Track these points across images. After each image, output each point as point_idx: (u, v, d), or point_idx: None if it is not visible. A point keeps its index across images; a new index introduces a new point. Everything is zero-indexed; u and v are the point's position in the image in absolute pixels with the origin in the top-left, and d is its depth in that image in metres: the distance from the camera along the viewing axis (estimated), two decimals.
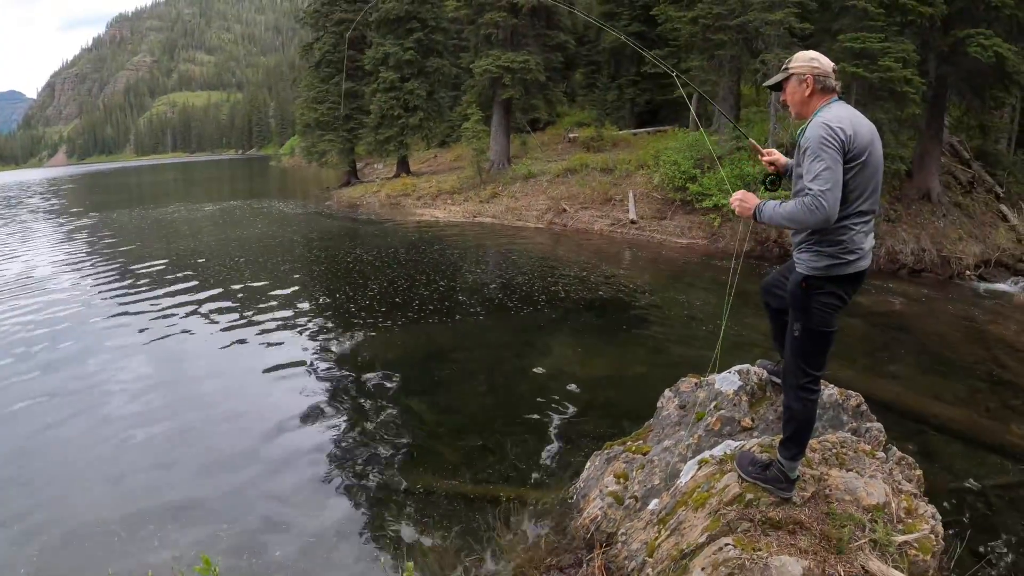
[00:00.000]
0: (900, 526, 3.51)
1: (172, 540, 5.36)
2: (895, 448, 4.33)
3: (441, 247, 18.69)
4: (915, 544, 3.38)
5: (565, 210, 21.34)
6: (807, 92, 3.41)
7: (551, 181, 23.83)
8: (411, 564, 4.27)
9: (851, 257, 3.36)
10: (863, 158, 3.23)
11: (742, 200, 3.55)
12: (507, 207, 23.51)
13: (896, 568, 3.25)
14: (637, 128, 30.01)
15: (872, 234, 3.47)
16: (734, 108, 20.59)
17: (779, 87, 3.59)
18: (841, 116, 3.25)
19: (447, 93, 34.38)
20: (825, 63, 3.41)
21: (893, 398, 7.53)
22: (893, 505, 3.61)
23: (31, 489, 6.33)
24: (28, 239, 23.83)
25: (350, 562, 5.13)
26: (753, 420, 4.50)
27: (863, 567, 3.20)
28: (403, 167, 34.97)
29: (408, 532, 5.43)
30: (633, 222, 19.04)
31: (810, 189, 3.13)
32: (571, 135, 31.04)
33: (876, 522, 3.46)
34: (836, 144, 3.14)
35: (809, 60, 3.42)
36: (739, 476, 3.80)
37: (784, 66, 3.52)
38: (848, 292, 3.49)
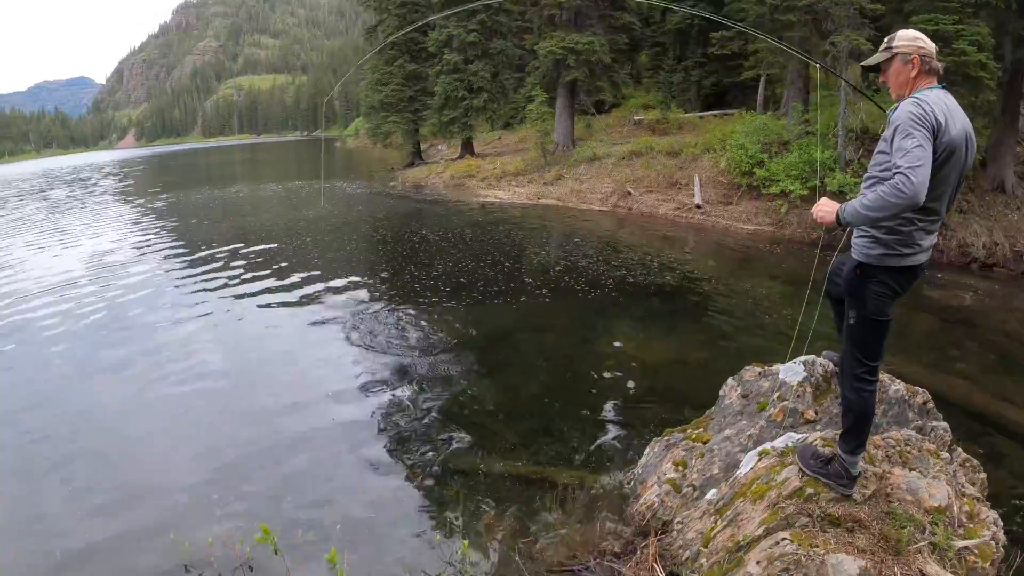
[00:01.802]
0: (961, 530, 3.44)
1: (234, 510, 5.58)
2: (960, 449, 4.23)
3: (506, 228, 18.76)
4: (975, 550, 3.32)
5: (630, 193, 21.15)
6: (913, 73, 3.28)
7: (616, 164, 23.57)
8: (466, 543, 4.38)
9: (907, 251, 3.29)
10: (945, 152, 3.12)
11: (822, 207, 3.42)
12: (571, 189, 23.39)
13: (954, 574, 3.20)
14: (703, 111, 29.50)
15: (935, 234, 3.37)
16: (803, 91, 20.05)
17: (877, 68, 3.46)
18: (938, 101, 3.14)
19: (511, 75, 34.29)
20: (929, 44, 3.29)
21: (960, 397, 7.24)
22: (955, 508, 3.54)
23: (99, 456, 6.68)
24: (103, 219, 24.74)
25: (406, 538, 5.23)
26: (816, 413, 4.43)
27: (920, 571, 3.15)
28: (467, 148, 35.10)
29: (464, 511, 5.50)
30: (698, 207, 18.76)
31: (897, 166, 2.98)
32: (636, 118, 30.66)
33: (937, 525, 3.40)
34: (928, 125, 3.02)
35: (914, 39, 3.29)
36: (800, 469, 3.77)
37: (887, 45, 3.37)
38: (902, 284, 3.40)
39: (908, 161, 2.95)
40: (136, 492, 5.97)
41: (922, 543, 3.29)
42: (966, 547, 3.31)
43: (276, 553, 3.99)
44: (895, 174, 2.98)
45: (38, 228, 22.83)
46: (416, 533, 5.27)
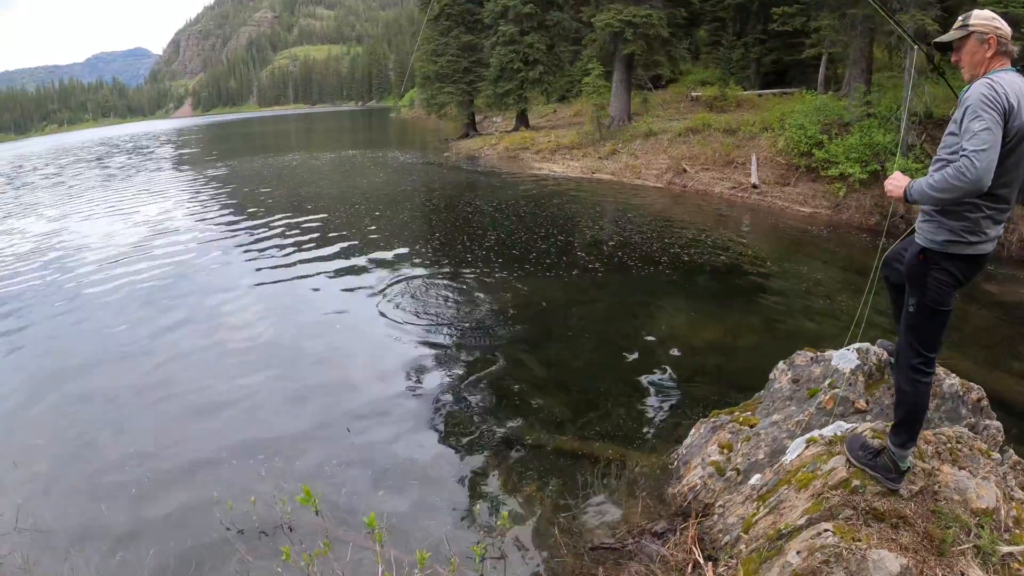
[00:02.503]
0: (1007, 535, 3.36)
1: (278, 472, 5.74)
2: (1012, 451, 4.12)
3: (560, 202, 18.75)
4: (1020, 557, 3.23)
5: (685, 170, 20.83)
6: (988, 53, 3.17)
7: (672, 140, 23.20)
8: (506, 513, 4.41)
9: (973, 239, 3.19)
10: (1016, 137, 3.02)
11: (894, 180, 3.38)
12: (626, 165, 23.15)
13: None
14: (762, 89, 28.81)
15: (1003, 224, 3.26)
16: (865, 72, 19.31)
17: (949, 46, 3.36)
18: (1012, 84, 3.04)
19: (567, 47, 33.97)
20: (1005, 26, 3.19)
21: (1014, 397, 6.86)
22: (1003, 512, 3.45)
23: (148, 417, 6.94)
24: (161, 187, 25.44)
25: (447, 506, 5.31)
26: (868, 403, 4.35)
27: (962, 574, 3.08)
28: (522, 121, 35.00)
29: (506, 482, 5.57)
30: (755, 187, 18.39)
31: (963, 149, 2.92)
32: (694, 94, 30.09)
33: (983, 528, 3.32)
34: (999, 107, 2.93)
35: (991, 19, 3.20)
36: (847, 460, 3.71)
37: (962, 23, 3.27)
38: (966, 273, 3.31)
39: (974, 144, 2.90)
40: (181, 452, 6.19)
41: (966, 545, 3.22)
42: (1011, 553, 3.22)
43: (317, 514, 4.10)
44: (960, 156, 2.93)
45: (97, 196, 23.54)
46: (457, 502, 5.35)
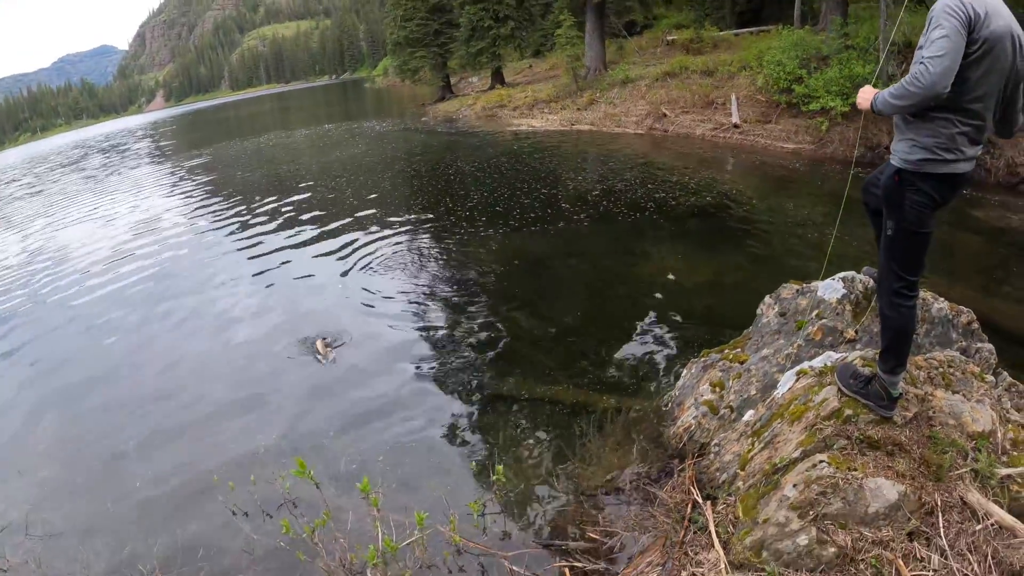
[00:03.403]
0: (1004, 458, 3.34)
1: (275, 451, 5.75)
2: (1006, 373, 4.07)
3: (541, 156, 18.63)
4: (1018, 479, 3.21)
5: (665, 115, 20.65)
6: None
7: (650, 86, 22.95)
8: (501, 467, 4.41)
9: (949, 156, 3.13)
10: (984, 47, 2.94)
11: (863, 93, 3.34)
12: (605, 114, 22.99)
13: (996, 503, 3.11)
14: (739, 28, 28.47)
15: (979, 145, 3.19)
16: (842, 3, 19.09)
17: None
18: None
19: (538, 1, 33.51)
20: None
21: (1007, 321, 6.76)
22: (999, 434, 3.43)
23: (146, 406, 6.93)
24: (141, 183, 24.95)
25: (443, 463, 5.35)
26: (857, 331, 4.30)
27: (961, 498, 3.08)
28: (497, 79, 34.67)
29: (502, 436, 5.58)
30: (736, 126, 18.23)
31: (922, 57, 2.90)
32: (669, 38, 29.71)
33: (979, 451, 3.30)
34: (961, 16, 2.88)
35: None
36: (839, 390, 3.67)
37: None
38: (943, 194, 3.24)
39: (931, 51, 2.89)
40: (179, 444, 6.16)
41: (964, 469, 3.21)
42: (1009, 475, 3.20)
43: (317, 487, 4.10)
44: (918, 64, 2.92)
45: (79, 200, 22.99)
46: (455, 461, 5.38)
